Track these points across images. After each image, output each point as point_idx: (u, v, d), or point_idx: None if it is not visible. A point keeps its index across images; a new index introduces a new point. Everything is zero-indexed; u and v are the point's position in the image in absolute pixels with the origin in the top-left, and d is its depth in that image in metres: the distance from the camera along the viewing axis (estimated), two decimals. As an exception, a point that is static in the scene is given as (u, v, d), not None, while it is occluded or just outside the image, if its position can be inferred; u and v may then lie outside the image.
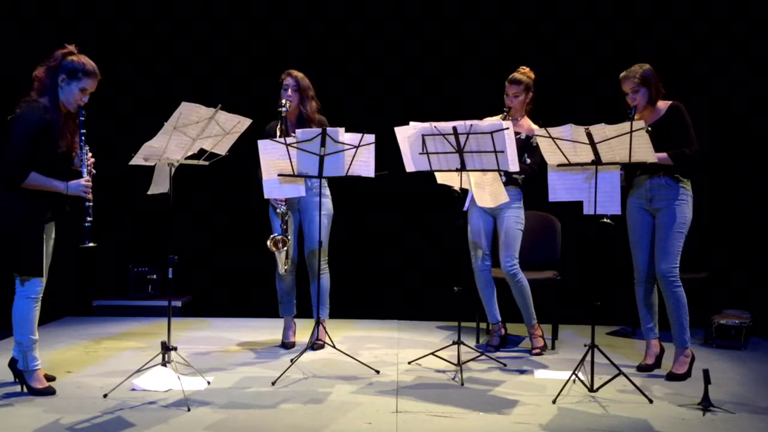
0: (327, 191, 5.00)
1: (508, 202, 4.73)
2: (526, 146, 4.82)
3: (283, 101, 4.81)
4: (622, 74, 4.36)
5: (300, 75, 4.92)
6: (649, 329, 4.55)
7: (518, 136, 4.73)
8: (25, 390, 3.89)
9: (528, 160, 4.82)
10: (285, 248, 4.87)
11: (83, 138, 3.83)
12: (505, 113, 4.84)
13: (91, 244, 3.78)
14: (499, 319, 5.09)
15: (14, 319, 3.84)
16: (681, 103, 4.35)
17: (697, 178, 4.40)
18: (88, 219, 3.79)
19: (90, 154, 3.87)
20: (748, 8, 5.87)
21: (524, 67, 4.94)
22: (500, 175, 4.71)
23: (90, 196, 3.80)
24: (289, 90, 4.87)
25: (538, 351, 4.94)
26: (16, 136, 3.70)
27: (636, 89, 4.32)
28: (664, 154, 4.17)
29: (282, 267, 4.94)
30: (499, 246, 4.94)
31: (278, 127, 4.73)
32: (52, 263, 4.05)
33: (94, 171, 3.88)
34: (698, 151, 4.25)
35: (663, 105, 4.36)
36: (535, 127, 4.82)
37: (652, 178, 4.35)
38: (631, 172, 4.39)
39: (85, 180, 3.80)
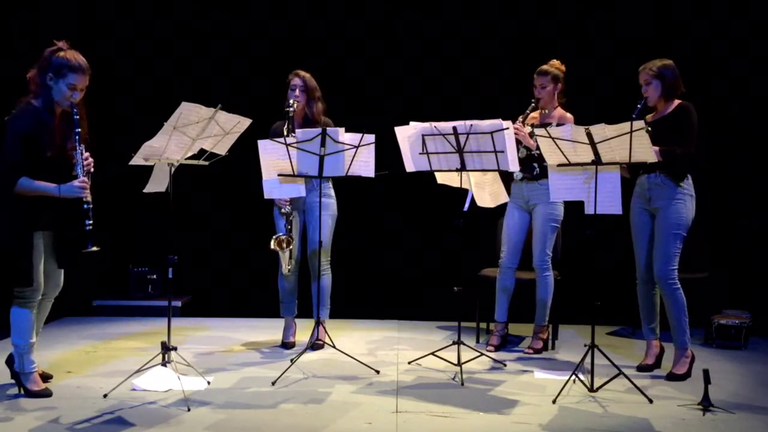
0: (332, 192, 5.01)
1: (543, 198, 4.71)
2: None
3: (291, 101, 4.81)
4: (641, 66, 4.36)
5: (308, 76, 4.92)
6: (650, 329, 4.54)
7: (549, 127, 4.69)
8: (22, 392, 3.89)
9: None
10: (289, 248, 4.87)
11: (78, 137, 3.67)
12: (533, 105, 4.85)
13: (94, 248, 3.62)
14: (505, 319, 5.08)
15: (12, 322, 3.83)
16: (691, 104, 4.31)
17: (696, 176, 4.38)
18: (88, 222, 3.63)
19: (87, 153, 3.73)
20: (747, 8, 5.88)
21: (555, 60, 4.95)
22: (535, 168, 4.80)
23: (88, 198, 3.65)
24: (297, 90, 4.86)
25: (531, 351, 4.94)
26: (7, 141, 3.62)
27: (648, 81, 4.32)
28: (656, 148, 4.16)
29: (285, 267, 4.94)
30: (532, 242, 4.97)
31: (285, 126, 4.73)
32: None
33: (92, 170, 3.73)
34: (688, 155, 4.21)
35: (676, 102, 4.34)
36: (568, 115, 4.85)
37: (649, 176, 4.35)
38: (634, 169, 4.37)
39: (80, 181, 3.65)
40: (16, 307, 3.80)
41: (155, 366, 4.05)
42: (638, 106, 4.26)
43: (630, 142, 3.84)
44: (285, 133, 4.59)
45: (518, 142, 4.76)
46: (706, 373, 3.75)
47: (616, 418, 3.66)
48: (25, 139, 3.62)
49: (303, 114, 4.92)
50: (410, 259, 6.34)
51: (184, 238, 5.20)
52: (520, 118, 4.81)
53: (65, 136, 3.74)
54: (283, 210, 4.87)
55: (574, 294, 5.21)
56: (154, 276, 6.23)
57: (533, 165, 4.85)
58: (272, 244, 4.85)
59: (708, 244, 5.48)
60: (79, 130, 3.69)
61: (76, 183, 3.65)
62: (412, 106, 6.07)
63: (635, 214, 4.47)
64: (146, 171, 4.14)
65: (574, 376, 4.05)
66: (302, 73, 4.93)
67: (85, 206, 3.66)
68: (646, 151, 3.89)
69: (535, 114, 4.95)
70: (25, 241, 3.69)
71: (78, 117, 3.70)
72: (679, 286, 4.30)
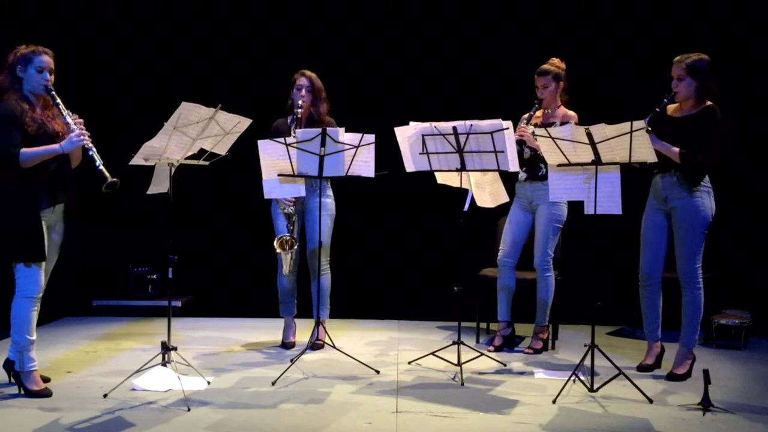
0: (330, 192, 5.01)
1: (547, 198, 4.67)
2: None
3: (299, 102, 4.80)
4: (676, 58, 4.25)
5: (314, 76, 4.91)
6: (652, 330, 4.52)
7: (553, 126, 4.68)
8: (22, 392, 3.89)
9: None
10: (292, 249, 4.86)
11: (59, 106, 3.80)
12: (536, 106, 4.83)
13: (112, 179, 3.67)
14: (507, 319, 5.07)
15: (12, 318, 3.83)
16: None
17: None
18: (98, 163, 3.71)
19: (75, 115, 3.83)
20: (747, 8, 5.88)
21: (554, 59, 4.92)
22: (540, 169, 4.77)
23: (89, 144, 3.74)
24: (303, 90, 4.86)
25: (531, 351, 4.94)
26: None
27: (682, 77, 4.20)
28: (676, 150, 4.13)
29: (287, 267, 4.93)
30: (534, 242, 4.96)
31: (293, 127, 4.72)
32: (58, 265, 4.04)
33: (81, 123, 3.81)
34: (708, 163, 4.15)
35: (705, 103, 4.23)
36: (571, 113, 4.82)
37: (664, 176, 4.31)
38: (648, 170, 4.31)
39: (75, 134, 3.74)
40: (19, 301, 3.81)
41: (155, 366, 4.05)
42: (665, 99, 4.19)
43: (630, 142, 3.84)
44: (293, 134, 4.57)
45: (522, 143, 4.76)
46: (706, 373, 3.75)
47: (616, 418, 3.66)
48: (12, 119, 3.72)
49: (308, 114, 4.91)
50: (410, 259, 6.34)
51: (184, 238, 5.19)
52: (524, 122, 4.79)
53: (46, 117, 3.85)
54: (286, 210, 4.87)
55: (575, 294, 5.21)
56: (154, 276, 6.23)
57: (539, 165, 4.83)
58: (276, 246, 4.84)
59: (708, 245, 5.46)
60: (59, 101, 3.81)
61: (72, 135, 3.76)
62: (412, 106, 6.07)
63: (648, 216, 4.42)
64: (147, 171, 4.14)
65: (574, 377, 4.05)
66: (309, 73, 4.91)
67: (90, 153, 3.76)
68: (646, 151, 3.88)
69: (539, 113, 4.93)
70: (34, 216, 3.76)
71: (53, 93, 3.81)
72: (702, 286, 4.27)
